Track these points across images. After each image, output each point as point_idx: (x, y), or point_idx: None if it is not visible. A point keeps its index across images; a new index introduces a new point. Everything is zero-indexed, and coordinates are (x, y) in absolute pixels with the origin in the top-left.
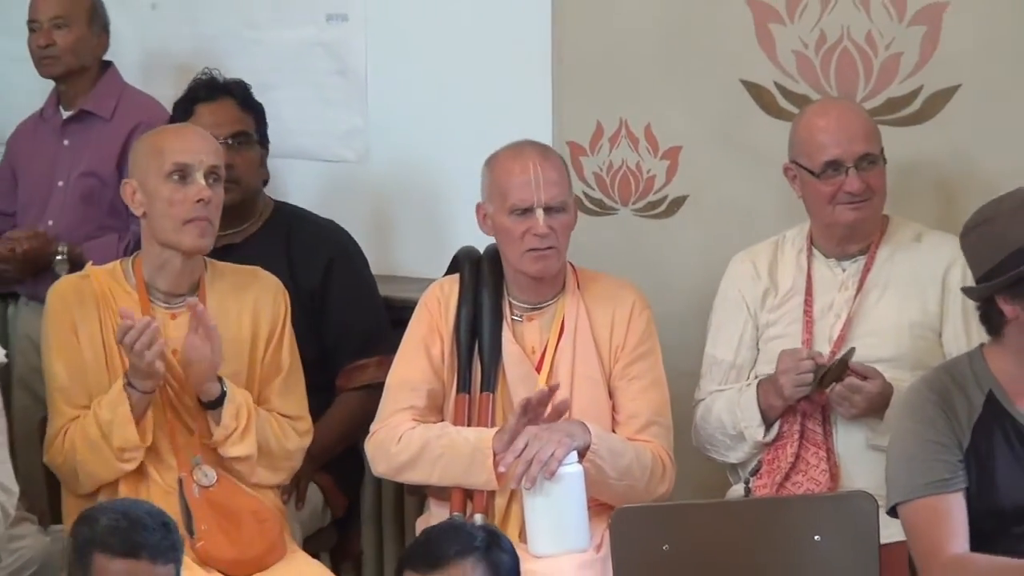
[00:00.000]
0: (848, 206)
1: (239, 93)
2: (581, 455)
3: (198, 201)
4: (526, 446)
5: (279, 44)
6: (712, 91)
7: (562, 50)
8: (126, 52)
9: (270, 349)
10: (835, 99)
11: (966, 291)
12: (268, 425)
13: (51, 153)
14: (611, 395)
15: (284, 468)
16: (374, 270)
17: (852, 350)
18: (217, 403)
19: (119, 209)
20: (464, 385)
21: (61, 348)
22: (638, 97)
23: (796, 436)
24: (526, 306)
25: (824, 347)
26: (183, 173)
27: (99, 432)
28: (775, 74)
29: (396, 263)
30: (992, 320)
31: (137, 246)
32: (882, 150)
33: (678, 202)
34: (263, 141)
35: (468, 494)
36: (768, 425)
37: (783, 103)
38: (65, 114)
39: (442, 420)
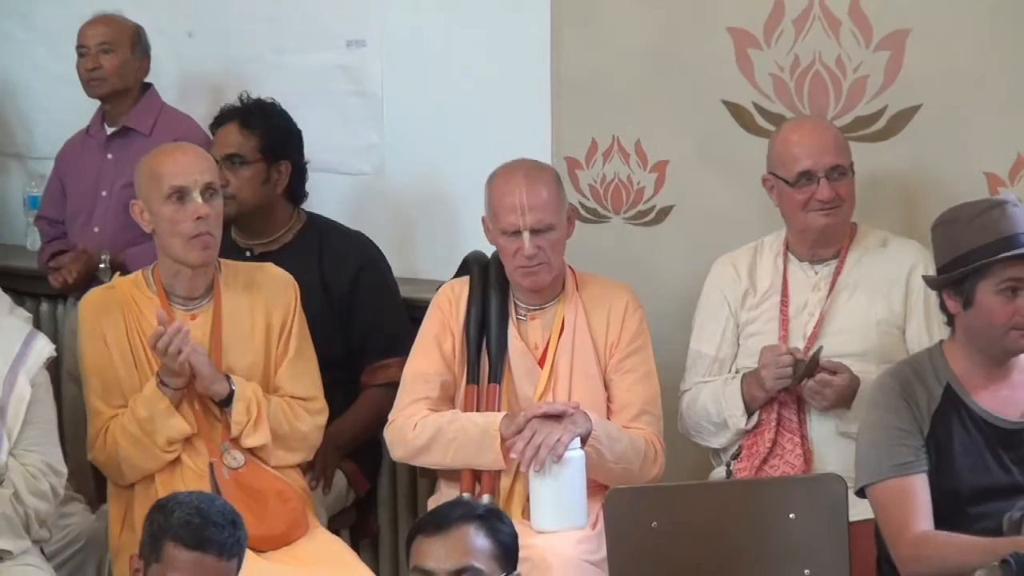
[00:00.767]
0: (819, 213)
1: (245, 116)
2: (583, 441)
3: (197, 219)
4: (535, 432)
5: (303, 68)
6: (696, 110)
7: (560, 73)
8: (165, 75)
9: (283, 338)
10: (809, 117)
11: (925, 279)
12: (280, 411)
13: (96, 166)
14: (606, 387)
15: (301, 448)
16: (395, 273)
17: (820, 348)
18: (228, 401)
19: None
20: (473, 377)
21: (93, 355)
22: (629, 116)
23: (773, 424)
24: (529, 306)
25: (799, 343)
26: (180, 194)
27: (140, 429)
28: (753, 95)
29: (412, 266)
30: (947, 313)
31: None
32: (852, 163)
33: (665, 211)
34: (270, 157)
35: (476, 475)
36: (749, 414)
37: (761, 121)
38: (109, 131)
39: (453, 409)
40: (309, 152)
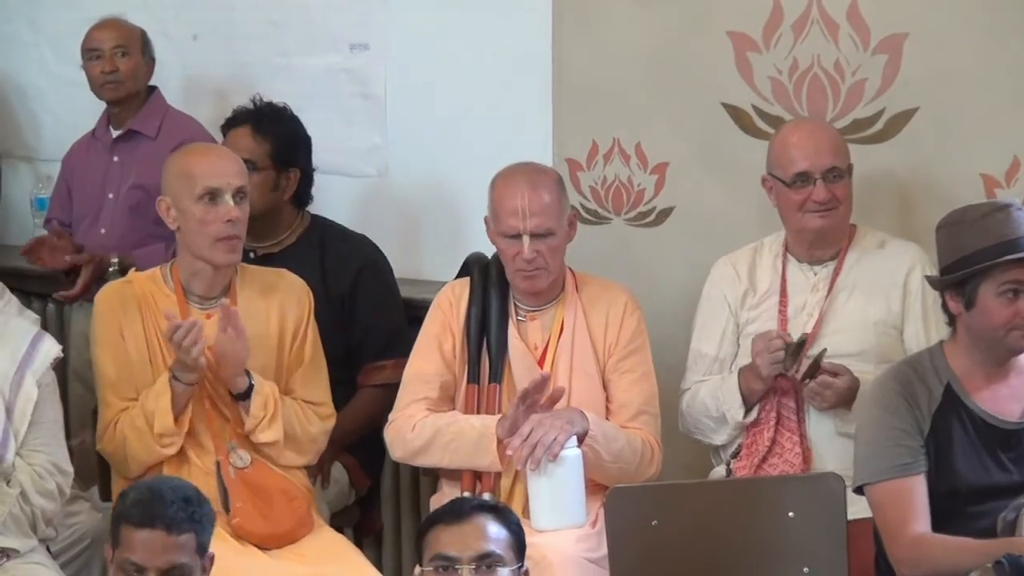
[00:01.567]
0: (816, 214)
1: (257, 121)
2: (580, 440)
3: (227, 221)
4: (531, 431)
5: (307, 71)
6: (696, 113)
7: (561, 76)
8: (170, 78)
9: (295, 344)
10: (808, 118)
11: (928, 279)
12: (293, 412)
13: (103, 169)
14: (605, 387)
15: (309, 450)
16: (398, 274)
17: (824, 351)
18: (246, 395)
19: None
20: (474, 377)
21: (108, 347)
22: (629, 118)
23: (773, 423)
24: (529, 307)
25: None
26: (213, 195)
27: (144, 421)
28: (752, 97)
29: (415, 267)
30: (949, 313)
31: None
32: (850, 165)
33: (665, 212)
34: (280, 164)
35: (477, 475)
36: (748, 407)
37: (760, 123)
38: (115, 133)
39: (453, 409)
40: (315, 155)
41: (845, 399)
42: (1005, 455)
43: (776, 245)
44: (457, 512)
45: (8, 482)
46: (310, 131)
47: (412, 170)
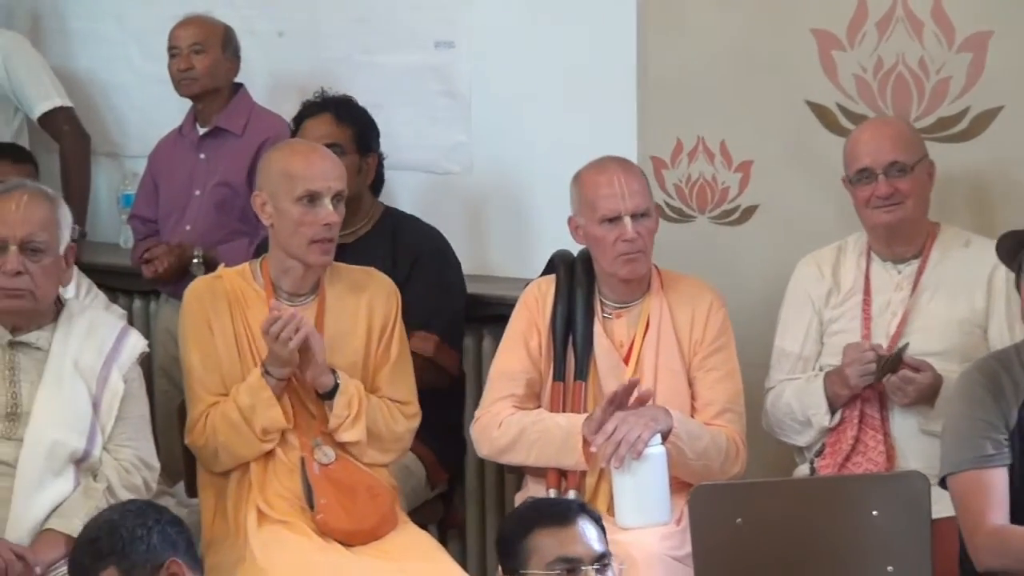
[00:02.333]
0: (881, 209)
1: (337, 108)
2: (664, 437)
3: (325, 225)
4: (615, 429)
5: (392, 68)
6: (781, 111)
7: (646, 75)
8: (255, 74)
9: (382, 342)
10: (880, 117)
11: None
12: (378, 411)
13: (189, 166)
14: (690, 384)
15: (394, 449)
16: (473, 271)
17: (906, 345)
18: (331, 394)
19: (249, 216)
20: (559, 374)
21: (197, 342)
22: (714, 116)
23: (856, 421)
24: (615, 304)
25: (882, 342)
26: (312, 198)
27: (240, 416)
28: (837, 96)
29: (492, 264)
30: None
31: (265, 247)
32: (920, 160)
33: (750, 211)
34: (363, 151)
35: (562, 472)
36: (833, 412)
37: (844, 122)
38: (201, 131)
39: (539, 406)
40: (398, 151)
41: (926, 396)
42: None
43: (860, 244)
44: (562, 516)
45: (95, 477)
46: (394, 128)
47: (496, 167)
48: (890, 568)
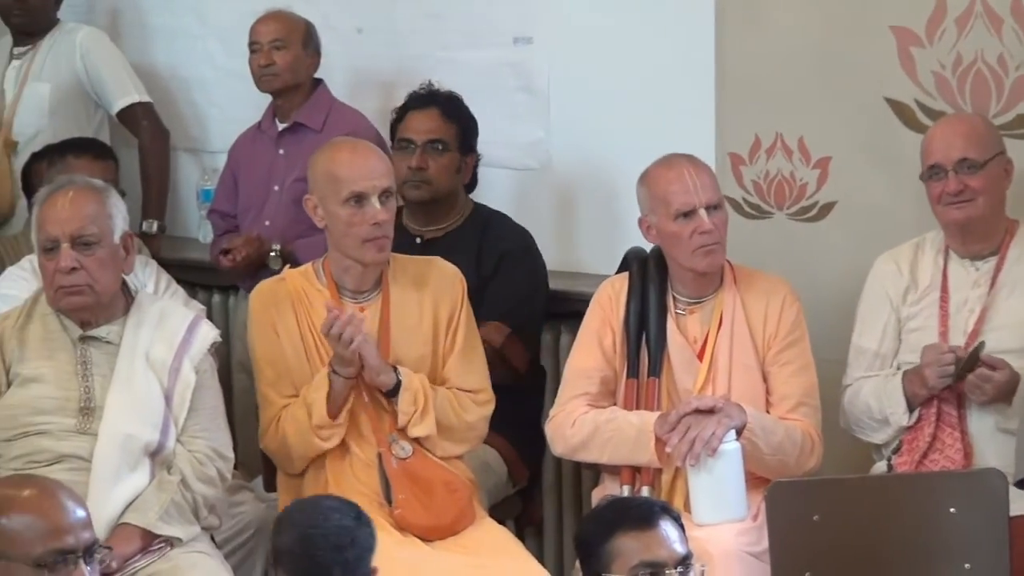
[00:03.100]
0: (952, 206)
1: (446, 104)
2: (738, 433)
3: (374, 224)
4: (689, 427)
5: (471, 64)
6: (859, 107)
7: (724, 70)
8: (334, 70)
9: (451, 331)
10: (954, 113)
11: None
12: (447, 402)
13: (268, 161)
14: (765, 379)
15: (467, 438)
16: (556, 267)
17: (983, 344)
18: (395, 391)
19: None
20: (633, 371)
21: (265, 345)
22: (792, 113)
23: (933, 419)
24: (688, 300)
25: (959, 339)
26: (359, 199)
27: (306, 414)
28: (915, 92)
29: (575, 260)
30: None
31: None
32: (994, 157)
33: (827, 207)
34: (465, 149)
35: (637, 469)
36: (911, 411)
37: (923, 118)
38: (280, 126)
39: (614, 404)
40: (479, 146)
41: (1004, 393)
42: None
43: (938, 241)
44: (645, 519)
45: (169, 470)
46: None
47: (574, 164)
48: (967, 566)
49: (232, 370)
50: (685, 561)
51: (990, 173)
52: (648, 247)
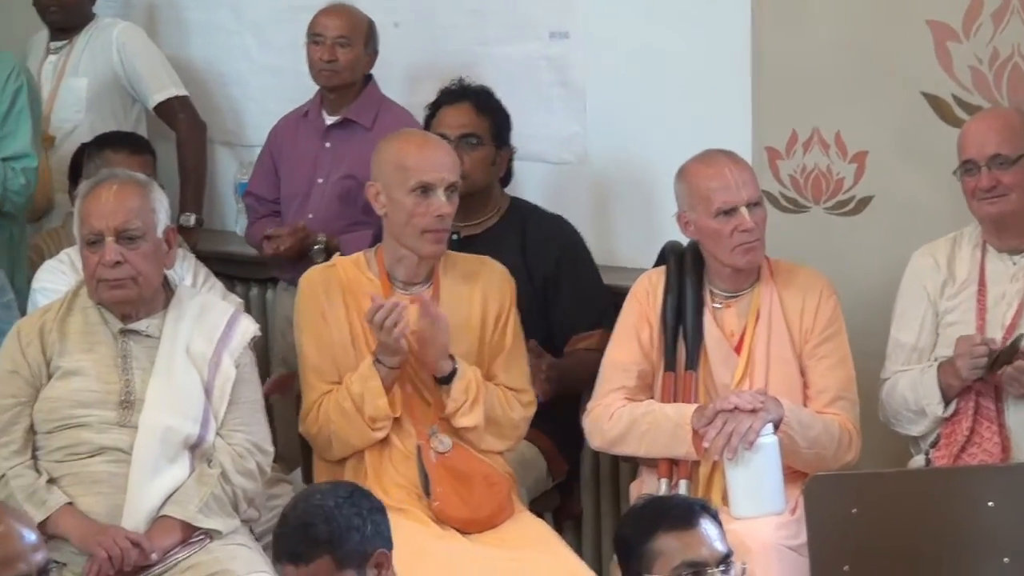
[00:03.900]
0: (985, 201)
1: (477, 98)
2: (776, 427)
3: (437, 216)
4: (726, 421)
5: (507, 58)
6: (895, 102)
7: (760, 64)
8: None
9: (497, 330)
10: (990, 108)
11: None
12: (495, 397)
13: (313, 152)
14: (802, 373)
15: (510, 436)
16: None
17: (1021, 336)
18: (449, 378)
19: (373, 208)
20: (670, 365)
21: (311, 330)
22: (829, 107)
23: (971, 412)
24: (725, 294)
25: (997, 333)
26: (425, 189)
27: (352, 404)
28: (952, 87)
29: (613, 253)
30: None
31: (380, 236)
32: None
33: (864, 201)
34: (499, 143)
35: (674, 462)
36: (947, 402)
37: (960, 113)
38: (329, 120)
39: (651, 397)
40: (514, 141)
41: None
42: None
43: (975, 235)
44: (685, 518)
45: (209, 463)
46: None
47: (610, 157)
48: (1006, 559)
49: (271, 363)
50: (726, 559)
51: (1022, 169)
52: (685, 241)
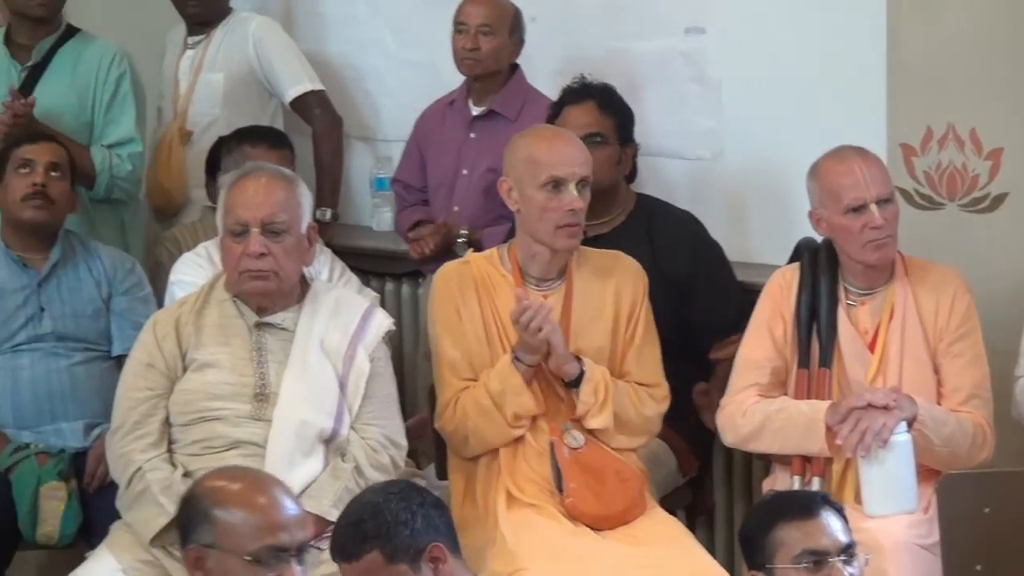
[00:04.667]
0: None
1: (601, 97)
2: (909, 425)
3: (570, 210)
4: (860, 419)
5: (643, 54)
6: None
7: (896, 60)
8: None
9: (630, 325)
10: None
11: None
12: (626, 396)
13: (458, 142)
14: (936, 371)
15: (643, 433)
16: (729, 257)
17: None
18: (576, 381)
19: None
20: (804, 362)
21: (446, 327)
22: (964, 103)
23: None
24: (859, 291)
25: None
26: (556, 184)
27: (491, 402)
28: None
29: (747, 250)
30: None
31: (514, 232)
32: None
33: (1000, 199)
34: (623, 141)
35: (807, 459)
36: None
37: None
38: (475, 111)
39: (784, 394)
40: (647, 137)
41: None
42: None
43: None
44: (806, 508)
45: (343, 457)
46: (644, 114)
47: (746, 154)
48: None
49: (416, 357)
50: (848, 549)
51: None
52: (819, 238)
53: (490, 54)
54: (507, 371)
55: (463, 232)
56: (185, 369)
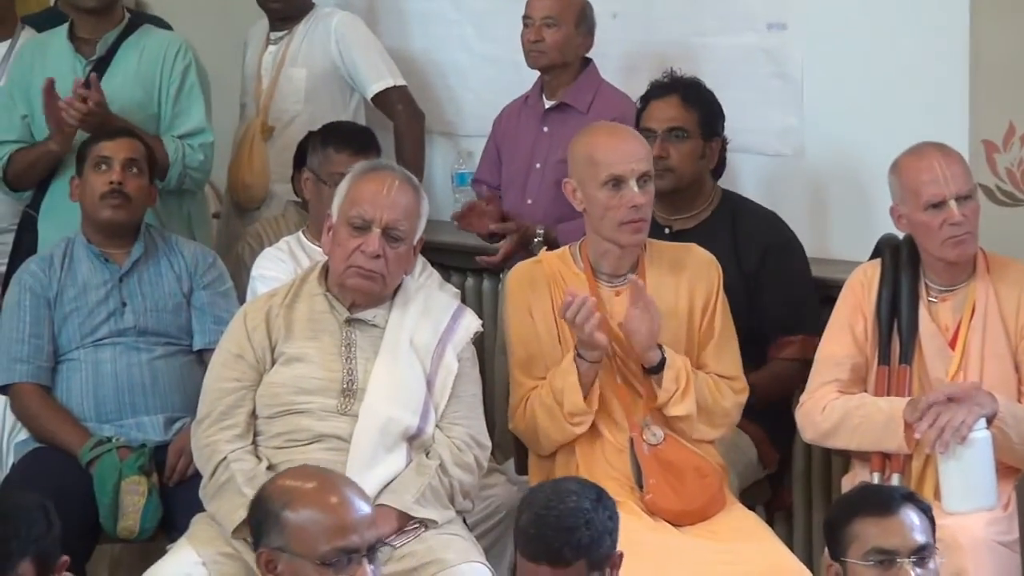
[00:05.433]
0: None
1: (686, 91)
2: (989, 422)
3: (632, 207)
4: (939, 415)
5: (724, 50)
6: None
7: (978, 57)
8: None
9: (705, 318)
10: None
11: None
12: (705, 386)
13: (532, 137)
14: (1017, 369)
15: (722, 424)
16: (808, 253)
17: None
18: (658, 368)
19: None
20: (884, 358)
21: (518, 326)
22: None
23: None
24: (940, 288)
25: None
26: (617, 182)
27: (553, 399)
28: None
29: (828, 247)
30: None
31: None
32: None
33: None
34: (708, 135)
35: (887, 456)
36: None
37: None
38: (547, 104)
39: (864, 391)
40: (730, 133)
41: None
42: None
43: None
44: (885, 504)
45: (428, 454)
46: (726, 110)
47: (827, 151)
48: None
49: (494, 352)
50: (921, 551)
51: None
52: (901, 234)
53: (554, 46)
54: (567, 368)
55: (539, 231)
56: (274, 362)
